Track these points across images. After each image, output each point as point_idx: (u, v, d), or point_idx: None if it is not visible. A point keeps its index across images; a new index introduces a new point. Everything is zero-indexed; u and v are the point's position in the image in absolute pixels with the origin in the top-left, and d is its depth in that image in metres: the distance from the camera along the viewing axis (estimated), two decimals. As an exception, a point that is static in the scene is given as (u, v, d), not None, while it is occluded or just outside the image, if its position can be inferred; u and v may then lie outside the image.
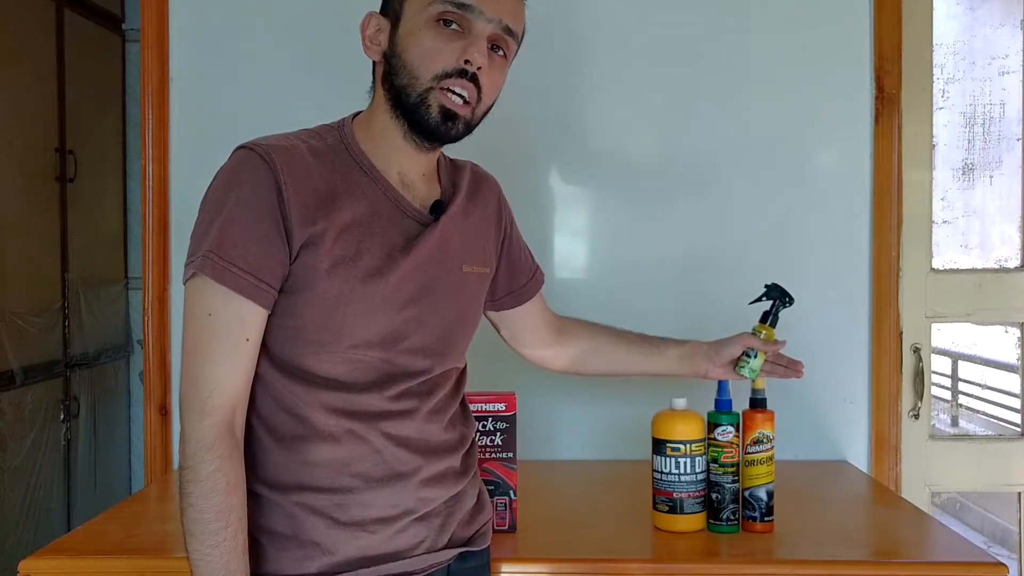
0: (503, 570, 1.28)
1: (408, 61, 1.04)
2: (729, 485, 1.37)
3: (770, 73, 1.86)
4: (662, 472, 1.37)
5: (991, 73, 1.98)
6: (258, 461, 1.04)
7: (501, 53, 1.08)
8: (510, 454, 1.38)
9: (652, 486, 1.39)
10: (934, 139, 1.93)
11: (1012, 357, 2.02)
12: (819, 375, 1.84)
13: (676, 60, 1.86)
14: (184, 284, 1.01)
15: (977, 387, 2.50)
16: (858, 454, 1.86)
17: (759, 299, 1.36)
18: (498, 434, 1.38)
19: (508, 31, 1.06)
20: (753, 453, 1.36)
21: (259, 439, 1.04)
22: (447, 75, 1.03)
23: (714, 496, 1.38)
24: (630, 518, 1.44)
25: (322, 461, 1.02)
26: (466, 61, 1.02)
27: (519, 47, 1.12)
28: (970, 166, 1.98)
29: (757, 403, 1.38)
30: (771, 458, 1.37)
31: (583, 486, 1.69)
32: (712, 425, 1.38)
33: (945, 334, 2.07)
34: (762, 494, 1.37)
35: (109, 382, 3.23)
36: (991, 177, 1.99)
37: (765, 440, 1.37)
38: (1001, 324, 2.04)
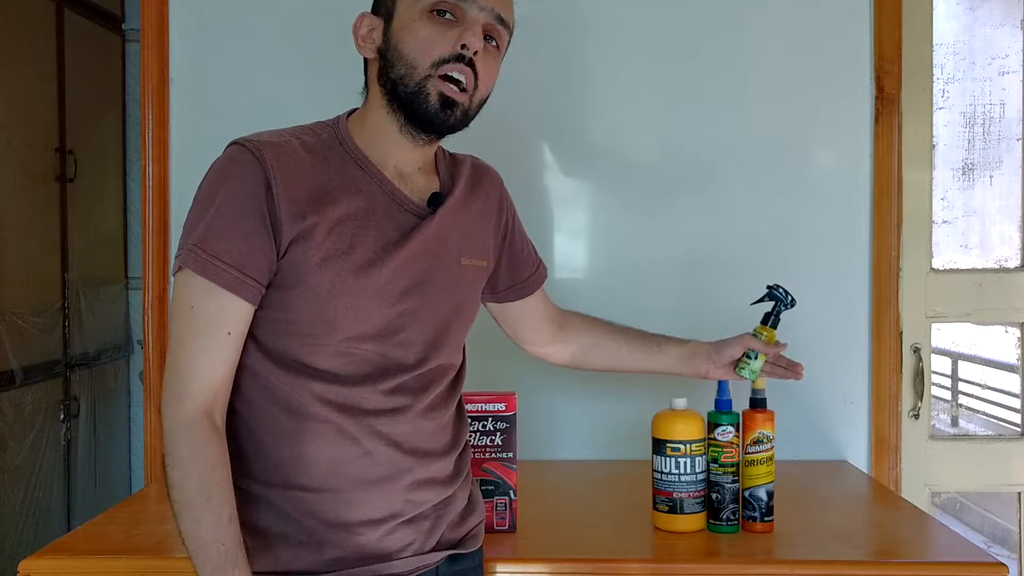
0: (503, 570, 1.28)
1: (404, 52, 1.04)
2: (729, 485, 1.37)
3: (770, 73, 1.86)
4: (662, 472, 1.37)
5: (991, 73, 1.98)
6: (249, 458, 1.03)
7: (494, 44, 1.09)
8: (510, 454, 1.38)
9: (652, 486, 1.39)
10: (934, 139, 1.93)
11: (1012, 357, 2.02)
12: (819, 375, 1.84)
13: (676, 59, 1.86)
14: (172, 277, 1.02)
15: (977, 387, 2.50)
16: (858, 454, 1.86)
17: (761, 300, 1.36)
18: (498, 434, 1.38)
19: (500, 20, 1.07)
20: (753, 453, 1.36)
21: (251, 436, 1.04)
22: (444, 61, 1.03)
23: (714, 496, 1.38)
24: (630, 518, 1.44)
25: (313, 460, 1.02)
26: (463, 46, 1.03)
27: (510, 40, 1.13)
28: (970, 166, 1.98)
29: (757, 403, 1.38)
30: (771, 458, 1.37)
31: (583, 486, 1.69)
32: (712, 425, 1.38)
33: (945, 334, 2.07)
34: (762, 494, 1.37)
35: (109, 382, 3.23)
36: (991, 177, 1.99)
37: (765, 440, 1.37)
38: (1001, 324, 2.04)
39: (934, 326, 1.93)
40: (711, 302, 1.81)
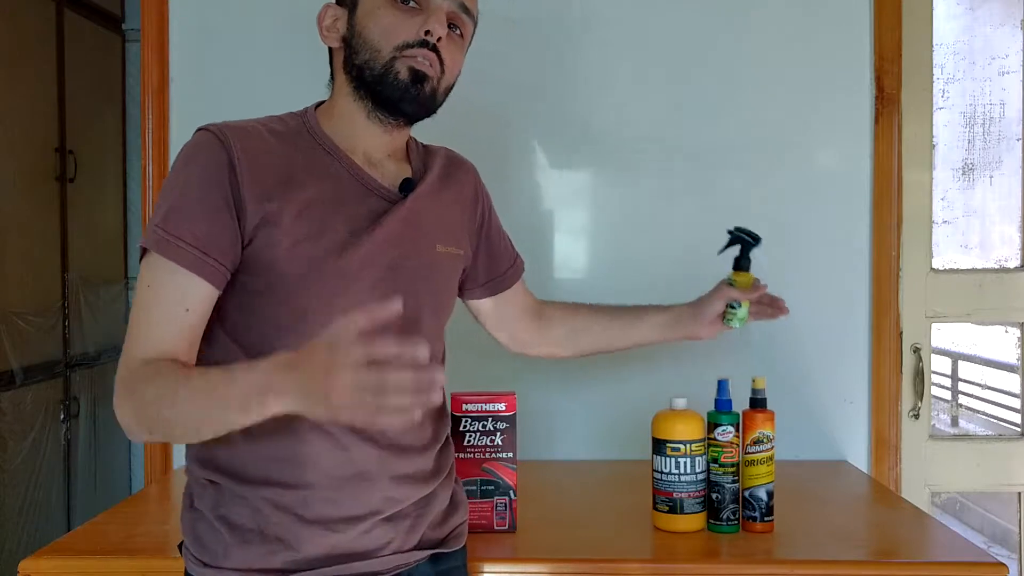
0: (503, 570, 1.28)
1: (369, 38, 1.05)
2: (729, 485, 1.37)
3: (770, 73, 1.86)
4: (662, 472, 1.37)
5: (991, 73, 1.98)
6: (224, 454, 1.01)
7: (459, 32, 1.09)
8: (510, 454, 1.38)
9: (652, 486, 1.39)
10: (934, 139, 1.93)
11: (1012, 357, 2.02)
12: (819, 375, 1.85)
13: (677, 59, 1.86)
14: (140, 264, 1.00)
15: (977, 387, 2.50)
16: (858, 454, 1.86)
17: (727, 247, 1.30)
18: (498, 434, 1.37)
19: (464, 9, 1.08)
20: (753, 453, 1.36)
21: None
22: (408, 46, 1.04)
23: (714, 496, 1.38)
24: (630, 518, 1.44)
25: (288, 456, 1.00)
26: (427, 32, 1.03)
27: (475, 30, 1.13)
28: (970, 166, 1.98)
29: (757, 403, 1.38)
30: (771, 458, 1.37)
31: (583, 486, 1.69)
32: (712, 425, 1.38)
33: (945, 334, 2.07)
34: (762, 494, 1.37)
35: (109, 382, 3.18)
36: (991, 177, 1.99)
37: (765, 440, 1.37)
38: (1001, 324, 2.04)
39: (934, 326, 1.93)
40: (711, 302, 1.81)
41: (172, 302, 0.96)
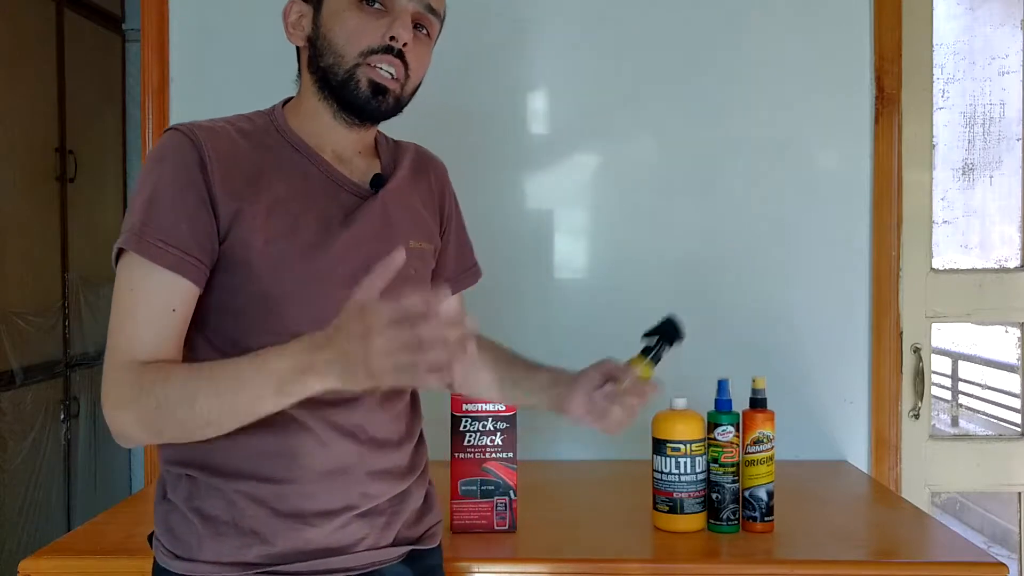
0: (504, 570, 1.28)
1: (333, 41, 1.04)
2: (729, 485, 1.37)
3: (770, 73, 1.86)
4: (662, 472, 1.37)
5: (991, 73, 1.98)
6: (199, 447, 0.99)
7: (425, 32, 1.08)
8: (510, 454, 1.38)
9: (652, 486, 1.39)
10: (934, 139, 1.93)
11: (1012, 357, 2.02)
12: (819, 375, 1.85)
13: (677, 60, 1.86)
14: (114, 268, 0.98)
15: (977, 387, 2.50)
16: (858, 454, 1.86)
17: (654, 332, 1.12)
18: (498, 434, 1.37)
19: (430, 9, 1.07)
20: (753, 453, 1.36)
21: None
22: (373, 51, 1.03)
23: (714, 496, 1.38)
24: (630, 518, 1.44)
25: (265, 450, 1.00)
26: (391, 38, 1.03)
27: (441, 27, 1.12)
28: (970, 166, 1.99)
29: (757, 403, 1.38)
30: (771, 458, 1.37)
31: (583, 486, 1.69)
32: (712, 425, 1.38)
33: (945, 334, 2.07)
34: (762, 494, 1.37)
35: (109, 382, 3.22)
36: (991, 177, 1.99)
37: (765, 440, 1.37)
38: (1001, 324, 2.04)
39: (934, 326, 1.93)
40: (711, 302, 1.81)
41: (158, 303, 0.96)
